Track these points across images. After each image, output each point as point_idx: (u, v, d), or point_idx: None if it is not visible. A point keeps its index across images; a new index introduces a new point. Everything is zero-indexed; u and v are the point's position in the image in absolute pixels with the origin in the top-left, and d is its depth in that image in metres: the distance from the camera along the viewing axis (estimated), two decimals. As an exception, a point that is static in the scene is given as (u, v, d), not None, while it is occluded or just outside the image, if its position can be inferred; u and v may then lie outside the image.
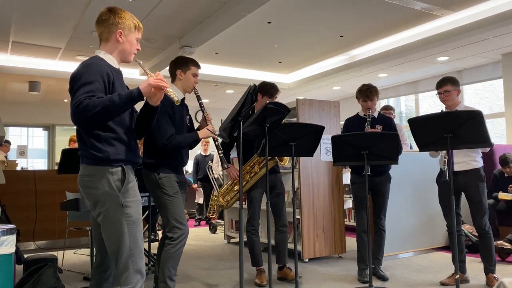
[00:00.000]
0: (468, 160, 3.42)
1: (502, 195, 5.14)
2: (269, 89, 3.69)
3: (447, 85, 3.45)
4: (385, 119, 3.92)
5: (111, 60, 2.09)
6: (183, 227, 2.81)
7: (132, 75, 7.97)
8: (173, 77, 3.06)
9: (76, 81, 1.92)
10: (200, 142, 8.95)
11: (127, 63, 2.21)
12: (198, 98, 3.04)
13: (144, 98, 1.97)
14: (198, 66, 3.09)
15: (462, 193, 3.50)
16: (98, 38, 2.15)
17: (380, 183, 3.77)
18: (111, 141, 1.98)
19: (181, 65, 3.03)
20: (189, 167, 8.87)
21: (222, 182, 6.57)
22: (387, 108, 5.60)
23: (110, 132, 1.98)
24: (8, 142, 8.04)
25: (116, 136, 2.00)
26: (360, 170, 3.72)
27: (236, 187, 3.82)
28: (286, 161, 3.80)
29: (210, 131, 2.97)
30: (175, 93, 2.06)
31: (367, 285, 3.49)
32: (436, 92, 3.54)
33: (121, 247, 1.94)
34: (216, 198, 3.98)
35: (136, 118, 2.19)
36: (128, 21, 2.10)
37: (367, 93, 3.78)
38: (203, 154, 8.15)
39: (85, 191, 2.01)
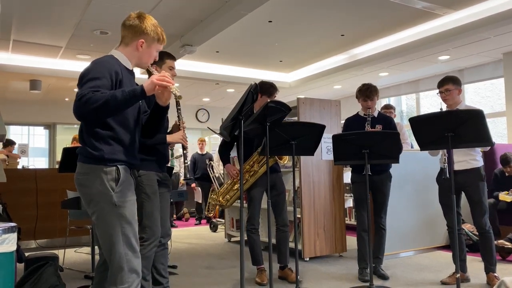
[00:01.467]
0: (468, 159, 3.42)
1: (502, 197, 5.14)
2: (268, 88, 3.68)
3: (448, 84, 3.45)
4: (385, 118, 3.92)
5: (125, 60, 2.09)
6: (155, 228, 2.77)
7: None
8: (149, 73, 3.03)
9: (84, 76, 1.93)
10: (196, 141, 8.89)
11: (142, 68, 2.21)
12: (177, 104, 2.89)
13: (147, 95, 1.95)
14: (173, 59, 3.03)
15: (462, 192, 3.50)
16: (120, 38, 2.13)
17: (381, 182, 3.77)
18: (108, 140, 1.97)
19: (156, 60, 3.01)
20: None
21: (223, 181, 6.57)
22: (388, 107, 5.60)
23: (109, 131, 1.98)
24: (12, 143, 8.04)
25: (115, 135, 1.99)
26: (360, 169, 3.72)
27: (235, 186, 3.82)
28: (286, 160, 3.80)
29: (181, 138, 2.89)
30: (177, 89, 2.05)
31: (367, 284, 3.49)
32: (437, 91, 3.54)
33: (115, 247, 1.94)
34: (216, 198, 3.98)
35: (146, 118, 2.19)
36: (153, 33, 2.10)
37: (367, 92, 3.78)
38: (200, 153, 8.15)
39: (80, 190, 2.02)
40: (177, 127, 2.96)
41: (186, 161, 2.90)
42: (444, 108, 3.42)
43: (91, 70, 1.94)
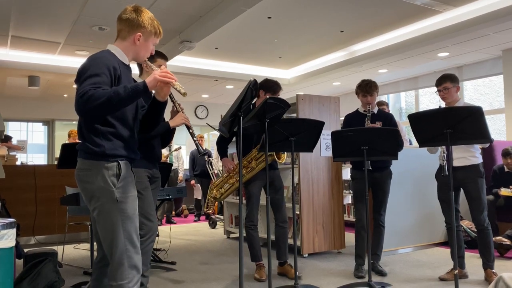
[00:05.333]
0: (467, 155, 3.42)
1: (504, 192, 5.15)
2: (272, 86, 3.67)
3: (446, 82, 3.45)
4: (385, 115, 3.92)
5: (122, 55, 2.08)
6: (150, 223, 2.77)
7: (136, 70, 7.96)
8: (140, 71, 3.01)
9: (83, 73, 1.91)
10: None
11: (138, 62, 2.20)
12: (180, 93, 2.95)
13: (150, 92, 1.95)
14: (165, 58, 3.01)
15: (461, 189, 3.50)
16: (116, 32, 2.12)
17: (381, 179, 3.77)
18: (108, 136, 1.97)
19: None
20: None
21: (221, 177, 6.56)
22: (381, 103, 5.54)
23: (109, 127, 1.97)
24: (9, 138, 8.05)
25: (115, 131, 1.99)
26: (360, 166, 3.73)
27: (230, 180, 3.83)
28: (284, 159, 3.79)
29: (183, 119, 2.85)
30: (181, 86, 2.04)
31: (363, 280, 3.50)
32: (435, 89, 3.54)
33: (116, 243, 1.93)
34: (210, 190, 3.99)
35: (143, 114, 2.19)
36: (150, 27, 2.08)
37: (366, 88, 3.78)
38: None
39: (81, 186, 2.01)
40: (175, 112, 2.93)
41: (194, 138, 2.85)
42: (443, 106, 3.42)
43: (90, 66, 1.92)
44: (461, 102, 3.50)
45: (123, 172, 1.99)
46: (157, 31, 2.12)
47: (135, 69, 2.57)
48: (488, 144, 3.27)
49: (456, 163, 3.41)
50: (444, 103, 3.50)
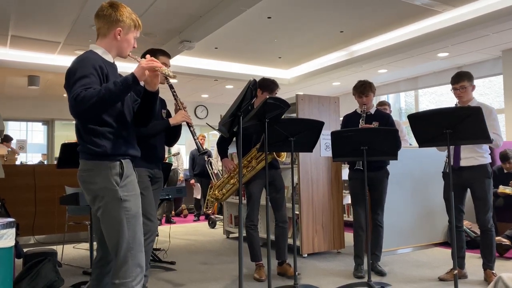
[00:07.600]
0: (475, 155, 3.40)
1: (501, 189, 5.14)
2: (269, 84, 3.67)
3: (463, 80, 3.40)
4: (383, 115, 3.92)
5: (105, 54, 2.08)
6: (150, 223, 2.77)
7: (128, 69, 7.95)
8: None
9: (71, 76, 1.93)
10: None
11: (123, 58, 2.20)
12: (171, 87, 2.92)
13: (139, 82, 1.94)
14: (167, 56, 3.01)
15: (468, 189, 3.49)
16: (96, 32, 2.13)
17: (378, 179, 3.77)
18: (108, 136, 1.98)
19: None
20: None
21: (221, 177, 6.56)
22: (382, 104, 5.56)
23: (107, 126, 1.98)
24: (10, 138, 8.06)
25: (113, 130, 2.00)
26: (355, 166, 3.74)
27: (232, 181, 3.83)
28: (284, 157, 3.79)
29: (183, 117, 2.87)
30: (169, 70, 2.04)
31: (362, 280, 3.50)
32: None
33: (120, 241, 1.95)
34: (211, 192, 3.99)
35: (137, 108, 2.19)
36: (129, 20, 2.08)
37: (361, 89, 3.80)
38: None
39: (84, 186, 2.02)
40: (177, 110, 2.93)
41: (195, 136, 2.85)
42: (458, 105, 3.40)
43: (77, 69, 1.93)
44: (474, 101, 3.45)
45: (126, 171, 2.00)
46: (136, 23, 2.12)
47: (124, 68, 2.56)
48: (501, 145, 3.27)
49: (463, 162, 3.39)
50: (458, 101, 3.47)
